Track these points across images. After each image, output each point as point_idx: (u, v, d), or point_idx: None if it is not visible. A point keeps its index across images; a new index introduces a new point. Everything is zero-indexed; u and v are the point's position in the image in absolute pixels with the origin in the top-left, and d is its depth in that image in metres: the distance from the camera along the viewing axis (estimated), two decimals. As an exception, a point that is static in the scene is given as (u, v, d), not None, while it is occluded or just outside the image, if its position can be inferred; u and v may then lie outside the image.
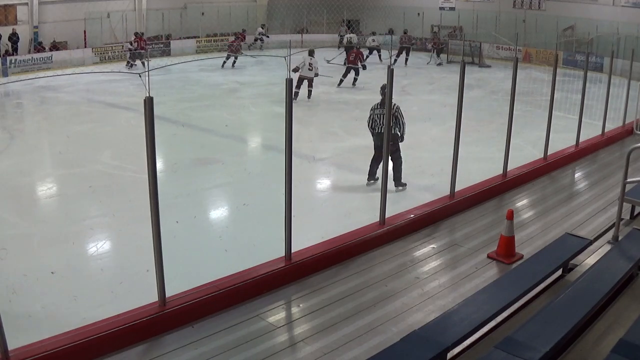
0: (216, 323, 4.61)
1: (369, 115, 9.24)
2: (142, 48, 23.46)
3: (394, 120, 8.56)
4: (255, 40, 28.77)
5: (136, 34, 24.00)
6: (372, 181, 9.08)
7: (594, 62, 20.24)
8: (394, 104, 8.26)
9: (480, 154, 10.24)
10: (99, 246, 7.67)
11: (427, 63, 25.12)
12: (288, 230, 5.24)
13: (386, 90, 6.54)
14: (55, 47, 24.06)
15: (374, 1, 31.84)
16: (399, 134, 8.86)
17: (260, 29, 29.58)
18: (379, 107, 9.07)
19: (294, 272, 5.30)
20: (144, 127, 4.22)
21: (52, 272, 6.68)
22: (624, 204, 6.13)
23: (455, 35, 28.56)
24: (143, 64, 22.67)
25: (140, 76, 4.28)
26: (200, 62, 23.15)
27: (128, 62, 22.98)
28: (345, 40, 26.25)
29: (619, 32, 22.22)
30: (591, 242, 5.85)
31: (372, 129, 9.21)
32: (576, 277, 5.04)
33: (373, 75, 22.15)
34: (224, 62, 22.90)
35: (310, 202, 8.99)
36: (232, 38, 25.14)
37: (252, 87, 18.93)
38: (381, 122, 8.90)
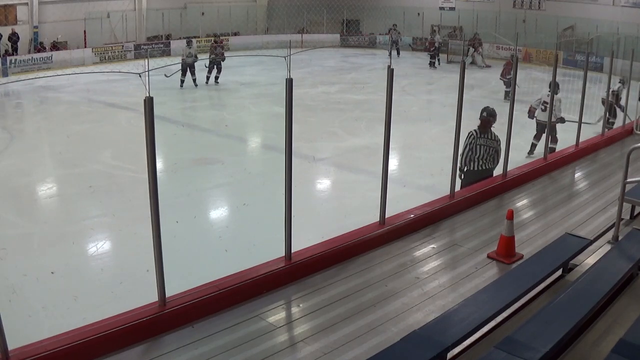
0: (216, 323, 4.61)
1: (464, 147, 7.49)
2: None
3: (494, 154, 7.53)
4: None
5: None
6: None
7: (594, 62, 20.23)
8: (496, 135, 7.59)
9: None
10: (99, 246, 7.68)
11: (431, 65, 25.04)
12: (288, 230, 5.23)
13: (386, 90, 6.13)
14: (55, 47, 24.08)
15: (374, 1, 31.87)
16: (492, 168, 7.66)
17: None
18: (483, 135, 7.51)
19: (294, 272, 5.30)
20: (144, 127, 4.22)
21: (52, 272, 6.70)
22: (624, 204, 6.12)
23: (456, 35, 28.59)
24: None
25: (140, 76, 4.28)
26: (200, 62, 23.17)
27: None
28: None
29: (619, 32, 22.22)
30: (591, 242, 5.84)
31: (469, 162, 7.54)
32: (576, 277, 5.04)
33: (373, 75, 22.21)
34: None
35: (310, 202, 9.00)
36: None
37: (252, 87, 18.96)
38: (488, 156, 7.51)
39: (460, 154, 7.39)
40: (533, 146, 11.47)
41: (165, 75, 16.36)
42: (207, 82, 19.41)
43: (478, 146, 7.48)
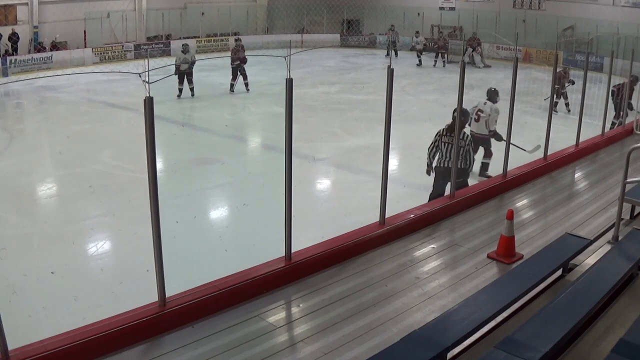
0: (216, 323, 4.61)
1: (432, 142, 7.69)
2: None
3: (465, 154, 7.43)
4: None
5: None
6: None
7: (594, 62, 20.23)
8: (467, 135, 7.52)
9: (480, 154, 10.25)
10: (99, 246, 7.67)
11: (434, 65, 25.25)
12: (288, 230, 5.23)
13: (386, 90, 6.14)
14: (55, 47, 24.08)
15: (374, 1, 31.88)
16: (465, 169, 7.60)
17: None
18: (448, 133, 7.54)
19: (294, 272, 5.30)
20: (144, 127, 4.22)
21: (52, 272, 6.69)
22: (624, 204, 6.12)
23: (456, 35, 28.62)
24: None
25: (140, 76, 4.28)
26: (200, 62, 23.07)
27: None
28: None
29: (619, 32, 22.21)
30: (591, 242, 5.84)
31: (431, 158, 7.72)
32: (576, 277, 5.04)
33: (373, 75, 22.20)
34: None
35: (310, 202, 8.99)
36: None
37: (252, 87, 18.93)
38: (448, 155, 7.53)
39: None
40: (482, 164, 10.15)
41: (144, 80, 15.53)
42: (232, 90, 18.08)
43: (442, 143, 7.56)
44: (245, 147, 13.50)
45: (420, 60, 25.39)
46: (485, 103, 9.95)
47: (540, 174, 8.49)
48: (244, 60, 17.78)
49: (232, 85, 18.13)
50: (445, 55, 25.73)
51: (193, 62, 17.11)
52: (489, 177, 9.29)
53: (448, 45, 26.30)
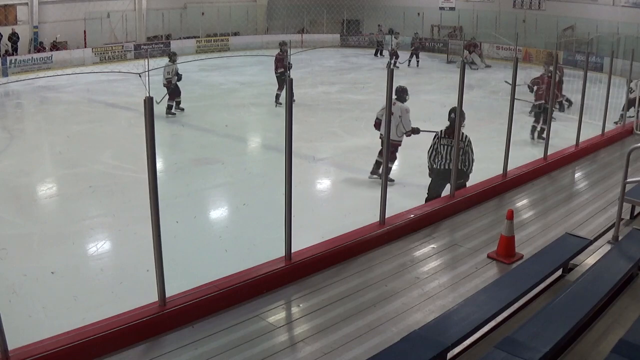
0: (216, 323, 4.61)
1: (430, 146, 7.76)
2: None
3: (462, 155, 7.41)
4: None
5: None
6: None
7: (594, 62, 20.24)
8: (465, 136, 7.45)
9: (480, 154, 10.24)
10: (99, 246, 7.67)
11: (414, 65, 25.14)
12: (288, 230, 5.24)
13: (386, 91, 6.11)
14: (55, 47, 24.09)
15: (374, 1, 31.89)
16: (465, 170, 7.56)
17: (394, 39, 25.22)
18: (446, 136, 7.59)
19: (294, 272, 5.30)
20: (144, 127, 4.22)
21: (52, 272, 6.69)
22: (624, 204, 6.12)
23: (455, 35, 28.62)
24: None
25: (140, 76, 4.28)
26: (200, 62, 23.05)
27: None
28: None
29: (619, 32, 22.24)
30: (591, 242, 5.84)
31: (432, 161, 7.77)
32: (576, 277, 5.04)
33: (373, 75, 22.21)
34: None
35: (310, 202, 8.99)
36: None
37: (252, 87, 18.96)
38: (448, 157, 7.55)
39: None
40: (378, 163, 9.81)
41: (156, 102, 13.94)
42: (278, 101, 15.93)
43: (441, 146, 7.61)
44: (245, 147, 13.49)
45: (391, 63, 23.21)
46: (394, 104, 8.91)
47: (540, 174, 8.49)
48: (287, 67, 14.75)
49: (277, 96, 16.03)
50: (419, 56, 25.35)
51: (178, 73, 14.75)
52: (392, 180, 9.33)
53: (421, 46, 26.04)
